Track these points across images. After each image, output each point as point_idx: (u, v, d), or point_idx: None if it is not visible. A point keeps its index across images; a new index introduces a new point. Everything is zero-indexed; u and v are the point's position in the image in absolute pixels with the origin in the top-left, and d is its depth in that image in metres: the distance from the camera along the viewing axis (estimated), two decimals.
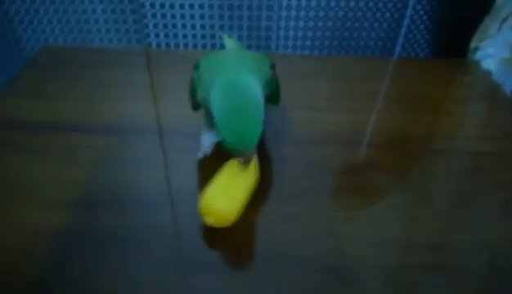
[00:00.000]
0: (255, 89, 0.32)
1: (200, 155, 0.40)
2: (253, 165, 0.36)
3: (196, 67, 0.38)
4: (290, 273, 0.31)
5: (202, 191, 0.34)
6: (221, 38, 0.52)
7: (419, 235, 0.34)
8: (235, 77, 0.33)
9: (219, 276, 0.31)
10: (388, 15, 0.64)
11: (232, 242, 0.33)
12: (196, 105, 0.41)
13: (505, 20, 0.54)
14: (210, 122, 0.39)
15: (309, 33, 0.66)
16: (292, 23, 0.64)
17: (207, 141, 0.41)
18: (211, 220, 0.33)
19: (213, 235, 0.34)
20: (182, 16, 0.64)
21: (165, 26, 0.65)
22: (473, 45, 0.58)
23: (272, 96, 0.40)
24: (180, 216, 0.35)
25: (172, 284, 0.30)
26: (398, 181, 0.39)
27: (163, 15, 0.64)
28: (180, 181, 0.38)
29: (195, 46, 0.67)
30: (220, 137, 0.32)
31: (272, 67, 0.39)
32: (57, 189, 0.37)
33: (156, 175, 0.39)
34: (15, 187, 0.37)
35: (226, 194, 0.33)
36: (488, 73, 0.56)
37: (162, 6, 0.63)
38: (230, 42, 0.47)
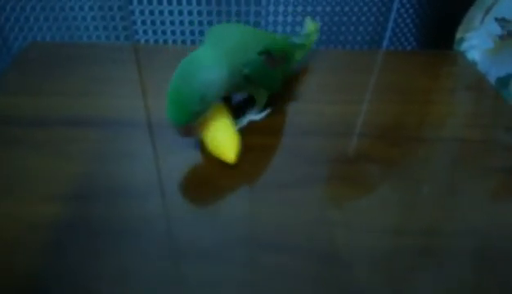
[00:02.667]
0: (212, 70, 0.35)
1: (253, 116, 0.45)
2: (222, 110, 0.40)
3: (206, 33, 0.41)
4: (282, 260, 0.32)
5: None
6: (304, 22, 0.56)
7: (409, 222, 0.35)
8: (199, 54, 0.36)
9: (211, 264, 0.31)
10: (374, 9, 0.65)
11: (224, 230, 0.34)
12: None
13: (487, 11, 0.55)
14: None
15: (297, 28, 0.66)
16: (280, 18, 0.65)
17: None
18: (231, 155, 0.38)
19: (205, 224, 0.34)
20: (170, 12, 0.64)
21: (153, 23, 0.65)
22: (458, 36, 0.59)
23: (262, 83, 0.40)
24: (171, 206, 0.35)
25: (164, 273, 0.30)
26: (388, 170, 0.40)
27: (151, 12, 0.64)
28: (170, 173, 0.39)
29: (183, 42, 0.67)
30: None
31: (262, 53, 0.39)
32: (49, 182, 0.37)
33: (147, 167, 0.39)
34: (7, 181, 0.37)
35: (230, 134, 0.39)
36: (473, 63, 0.57)
37: (150, 2, 0.63)
38: (310, 26, 0.53)
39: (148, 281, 0.30)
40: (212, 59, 0.35)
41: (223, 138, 0.38)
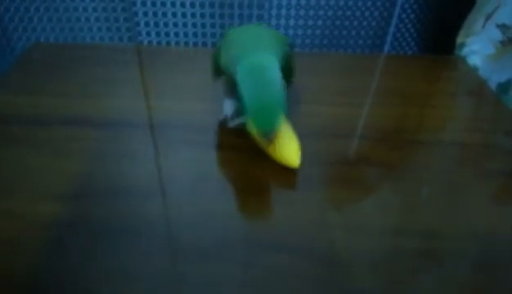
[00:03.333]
0: (277, 75, 0.35)
1: (222, 117, 0.45)
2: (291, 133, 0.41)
3: (223, 35, 0.41)
4: (282, 260, 0.32)
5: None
6: None
7: (409, 224, 0.35)
8: (261, 60, 0.36)
9: (211, 264, 0.31)
10: (376, 13, 0.66)
11: (224, 230, 0.34)
12: (217, 73, 0.43)
13: (489, 16, 0.55)
14: (231, 90, 0.42)
15: (299, 32, 0.66)
16: (283, 21, 0.65)
17: (228, 106, 0.44)
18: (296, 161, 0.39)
19: (205, 224, 0.34)
20: (174, 14, 0.64)
21: (156, 24, 0.65)
22: (459, 41, 0.59)
23: (286, 75, 0.42)
24: (171, 206, 0.36)
25: (164, 273, 0.30)
26: (389, 173, 0.40)
27: (155, 13, 0.64)
28: (171, 173, 0.39)
29: (186, 44, 0.67)
30: (245, 118, 0.36)
31: (291, 46, 0.42)
32: (50, 181, 0.37)
33: (148, 167, 0.39)
34: (9, 179, 0.37)
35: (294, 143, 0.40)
36: (474, 68, 0.57)
37: (153, 3, 0.63)
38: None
39: (148, 280, 0.30)
40: (274, 63, 0.36)
41: (287, 144, 0.39)
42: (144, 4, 0.63)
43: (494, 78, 0.56)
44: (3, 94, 0.48)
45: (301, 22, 0.65)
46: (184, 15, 0.64)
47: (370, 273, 0.31)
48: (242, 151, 0.42)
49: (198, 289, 0.30)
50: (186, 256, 0.32)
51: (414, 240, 0.34)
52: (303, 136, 0.44)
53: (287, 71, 0.41)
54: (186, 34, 0.66)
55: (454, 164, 0.42)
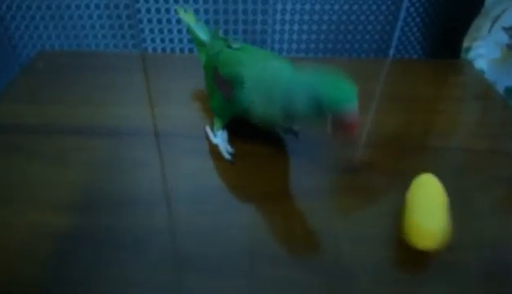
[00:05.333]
0: None
1: (228, 156, 0.41)
2: (439, 186, 0.35)
3: (240, 81, 0.38)
4: (284, 271, 0.31)
5: (404, 216, 0.33)
6: (176, 12, 0.55)
7: None
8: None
9: (216, 276, 0.31)
10: (381, 17, 0.65)
11: (227, 241, 0.33)
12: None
13: (495, 20, 0.54)
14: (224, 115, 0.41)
15: (304, 37, 0.66)
16: (287, 26, 0.65)
17: (222, 139, 0.42)
18: (424, 243, 0.31)
19: (210, 235, 0.34)
20: (178, 21, 0.64)
21: (161, 31, 0.66)
22: (465, 45, 0.58)
23: None
24: (177, 216, 0.35)
25: (169, 284, 0.30)
26: (395, 180, 0.40)
27: (159, 21, 0.64)
28: (176, 182, 0.39)
29: (190, 50, 0.68)
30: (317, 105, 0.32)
31: None
32: (54, 190, 0.37)
33: (152, 176, 0.39)
34: (13, 189, 0.37)
35: (434, 216, 0.31)
36: (481, 72, 0.57)
37: (157, 11, 0.63)
38: (186, 17, 0.50)
39: (152, 291, 0.30)
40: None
41: (427, 221, 0.31)
42: (148, 11, 0.63)
43: (501, 82, 0.55)
44: (8, 102, 0.49)
45: (305, 27, 0.65)
46: None
47: (375, 284, 0.31)
48: (248, 160, 0.41)
49: None
50: (190, 267, 0.31)
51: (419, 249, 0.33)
52: (305, 144, 0.44)
53: None
54: (190, 41, 0.66)
55: (461, 170, 0.41)
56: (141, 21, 0.64)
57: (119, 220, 0.35)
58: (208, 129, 0.44)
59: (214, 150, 0.42)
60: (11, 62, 0.66)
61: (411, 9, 0.65)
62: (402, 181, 0.40)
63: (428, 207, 0.32)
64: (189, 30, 0.49)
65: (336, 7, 0.63)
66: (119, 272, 0.31)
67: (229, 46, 0.42)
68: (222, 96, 0.40)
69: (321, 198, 0.38)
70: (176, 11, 0.53)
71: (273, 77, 0.36)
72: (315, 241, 0.34)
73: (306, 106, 0.33)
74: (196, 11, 0.63)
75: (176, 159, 0.41)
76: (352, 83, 0.32)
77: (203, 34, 0.48)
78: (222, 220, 0.35)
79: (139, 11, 0.63)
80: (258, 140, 0.44)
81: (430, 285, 0.31)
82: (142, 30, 0.65)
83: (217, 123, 0.43)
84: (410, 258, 0.32)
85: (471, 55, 0.58)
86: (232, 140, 0.43)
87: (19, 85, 0.52)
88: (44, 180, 0.39)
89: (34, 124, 0.45)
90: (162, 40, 0.66)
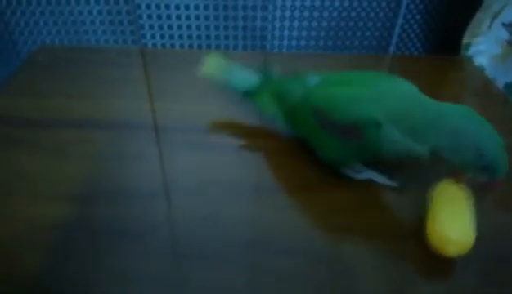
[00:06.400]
0: None
1: (388, 181, 0.37)
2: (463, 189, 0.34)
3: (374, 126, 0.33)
4: (285, 264, 0.31)
5: (429, 223, 0.32)
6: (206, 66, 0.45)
7: (414, 227, 0.35)
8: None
9: (215, 268, 0.31)
10: (381, 14, 0.65)
11: (227, 233, 0.33)
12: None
13: (495, 16, 0.54)
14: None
15: (304, 33, 0.66)
16: (287, 23, 0.65)
17: (368, 171, 0.38)
18: (451, 250, 0.30)
19: (209, 228, 0.34)
20: (178, 17, 0.64)
21: (161, 27, 0.66)
22: (465, 41, 0.58)
23: None
24: (176, 209, 0.35)
25: (168, 277, 0.30)
26: (393, 175, 0.40)
27: (159, 16, 0.64)
28: (174, 175, 0.39)
29: (190, 46, 0.68)
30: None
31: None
32: (54, 183, 0.37)
33: (152, 169, 0.39)
34: (13, 182, 0.37)
35: (460, 223, 0.31)
36: (481, 69, 0.57)
37: (157, 6, 0.63)
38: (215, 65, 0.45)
39: (150, 284, 0.30)
40: None
41: (451, 226, 0.30)
42: (148, 7, 0.63)
43: (501, 78, 0.55)
44: (8, 96, 0.49)
45: (305, 23, 0.65)
46: (188, 17, 0.64)
47: (375, 277, 0.31)
48: (247, 154, 0.41)
49: (199, 293, 0.29)
50: (189, 260, 0.31)
51: (419, 243, 0.33)
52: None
53: None
54: (190, 37, 0.66)
55: None
56: (140, 17, 0.64)
57: (119, 212, 0.35)
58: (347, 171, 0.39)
59: (213, 144, 0.42)
60: (11, 58, 0.66)
61: (411, 5, 0.65)
62: (400, 176, 0.39)
63: (453, 212, 0.31)
64: (228, 83, 0.44)
65: (336, 4, 0.63)
66: (118, 264, 0.31)
67: (308, 84, 0.38)
68: (347, 143, 0.34)
69: (321, 191, 0.37)
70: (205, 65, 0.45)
71: (414, 110, 0.32)
72: (314, 234, 0.34)
73: (464, 156, 0.31)
74: (196, 7, 0.63)
75: (175, 153, 0.41)
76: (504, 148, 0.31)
77: (243, 81, 0.43)
78: (221, 213, 0.35)
79: (139, 6, 0.63)
80: (258, 135, 0.44)
81: (428, 279, 0.31)
82: (142, 26, 0.65)
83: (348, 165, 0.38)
84: (410, 252, 0.32)
85: (471, 51, 0.58)
86: (234, 133, 0.43)
87: (19, 78, 0.52)
88: (44, 172, 0.39)
89: (34, 117, 0.45)
90: (162, 36, 0.66)
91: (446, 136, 0.31)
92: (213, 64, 0.44)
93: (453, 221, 0.31)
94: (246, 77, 0.44)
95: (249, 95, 0.44)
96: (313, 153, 0.42)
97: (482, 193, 0.33)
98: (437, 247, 0.31)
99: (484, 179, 0.32)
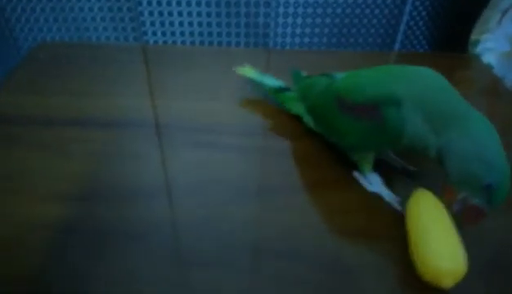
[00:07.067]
0: None
1: (398, 205, 0.35)
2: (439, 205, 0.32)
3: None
4: (285, 266, 0.31)
5: (419, 254, 0.29)
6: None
7: None
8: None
9: (217, 269, 0.30)
10: (386, 11, 0.64)
11: (228, 234, 0.33)
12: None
13: (505, 12, 0.53)
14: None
15: (307, 30, 0.65)
16: (290, 20, 0.64)
17: (379, 185, 0.36)
18: (449, 282, 0.28)
19: (210, 228, 0.33)
20: (179, 14, 0.64)
21: (162, 24, 0.65)
22: (473, 38, 0.57)
23: None
24: (177, 208, 0.35)
25: (169, 277, 0.30)
26: (396, 176, 0.39)
27: (160, 13, 0.64)
28: (177, 174, 0.38)
29: (192, 43, 0.67)
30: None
31: None
32: (55, 181, 0.37)
33: (153, 168, 0.38)
34: (13, 180, 0.37)
35: (452, 248, 0.28)
36: (489, 66, 0.55)
37: (159, 3, 0.62)
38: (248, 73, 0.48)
39: (151, 284, 0.29)
40: None
41: (443, 256, 0.28)
42: (150, 4, 0.62)
43: (510, 77, 0.54)
44: (9, 93, 0.48)
45: (309, 20, 0.64)
46: (190, 14, 0.63)
47: (376, 280, 0.30)
48: (249, 153, 0.41)
49: (201, 293, 0.29)
50: (190, 260, 0.31)
51: None
52: (308, 138, 0.43)
53: None
54: (191, 34, 0.65)
55: None
56: (142, 14, 0.64)
57: (120, 211, 0.34)
58: (357, 175, 0.38)
59: (215, 142, 0.42)
60: (12, 54, 0.66)
61: (417, 2, 0.63)
62: (403, 178, 0.39)
63: (439, 239, 0.29)
64: (259, 84, 0.47)
65: (340, 0, 0.62)
66: (119, 263, 0.30)
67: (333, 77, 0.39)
68: (367, 125, 0.33)
69: (321, 193, 0.37)
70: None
71: (442, 98, 0.31)
72: (314, 236, 0.33)
73: (468, 167, 0.29)
74: (198, 4, 0.62)
75: (176, 151, 0.40)
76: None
77: (270, 81, 0.46)
78: (223, 213, 0.34)
79: (140, 3, 0.62)
80: (257, 134, 0.43)
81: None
82: (143, 23, 0.65)
83: (365, 165, 0.36)
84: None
85: (479, 48, 0.57)
86: (236, 132, 0.43)
87: (19, 75, 0.52)
88: (44, 170, 0.38)
89: (35, 115, 0.45)
90: (163, 33, 0.66)
91: (459, 137, 0.30)
92: (247, 70, 0.49)
93: (445, 248, 0.28)
94: (276, 80, 0.47)
95: (279, 92, 0.45)
96: (314, 153, 0.41)
97: (463, 220, 0.30)
98: (431, 280, 0.28)
99: (476, 204, 0.29)
